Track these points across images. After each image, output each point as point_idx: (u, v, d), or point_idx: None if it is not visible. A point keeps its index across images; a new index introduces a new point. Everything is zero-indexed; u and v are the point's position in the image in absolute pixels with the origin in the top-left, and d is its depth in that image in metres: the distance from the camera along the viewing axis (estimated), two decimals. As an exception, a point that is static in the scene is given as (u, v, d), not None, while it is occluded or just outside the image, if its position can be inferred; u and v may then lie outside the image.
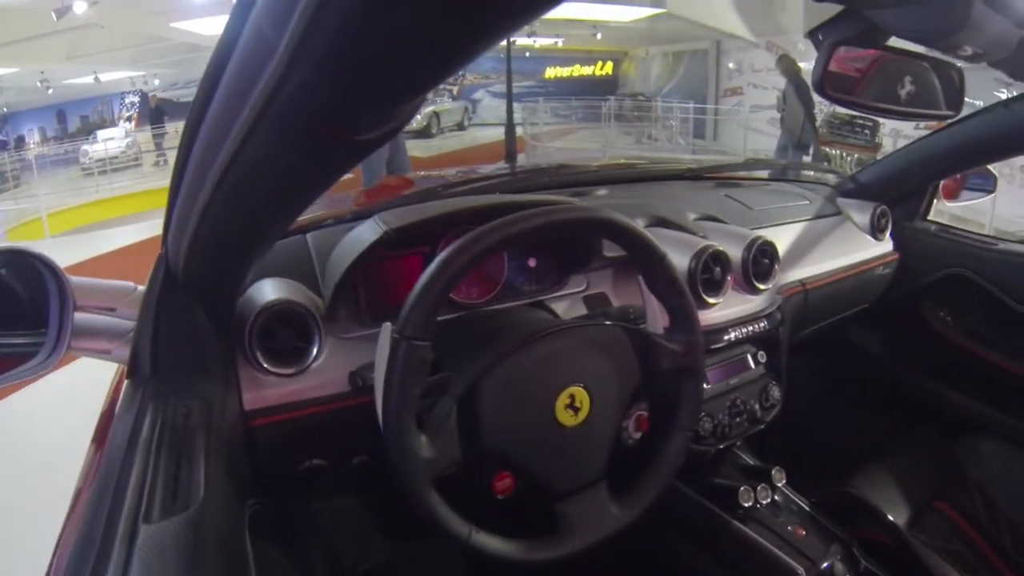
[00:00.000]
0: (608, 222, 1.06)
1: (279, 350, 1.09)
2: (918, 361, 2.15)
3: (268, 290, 1.10)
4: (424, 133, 16.29)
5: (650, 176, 2.06)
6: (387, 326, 0.94)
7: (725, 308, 1.51)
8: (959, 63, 1.24)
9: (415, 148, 14.06)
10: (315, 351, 1.11)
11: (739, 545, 1.40)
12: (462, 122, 18.80)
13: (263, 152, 0.56)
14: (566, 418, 1.03)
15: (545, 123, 15.76)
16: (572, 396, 1.03)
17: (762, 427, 1.57)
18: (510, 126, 9.98)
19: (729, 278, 1.48)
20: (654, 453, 1.14)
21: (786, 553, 1.34)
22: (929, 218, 2.17)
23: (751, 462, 1.60)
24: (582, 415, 1.04)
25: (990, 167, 2.13)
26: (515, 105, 13.62)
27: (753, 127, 12.94)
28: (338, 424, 1.07)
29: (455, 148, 15.77)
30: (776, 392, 1.59)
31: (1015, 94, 1.64)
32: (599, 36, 17.21)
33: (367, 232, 1.15)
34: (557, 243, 1.34)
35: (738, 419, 1.50)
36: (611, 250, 1.35)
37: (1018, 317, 1.89)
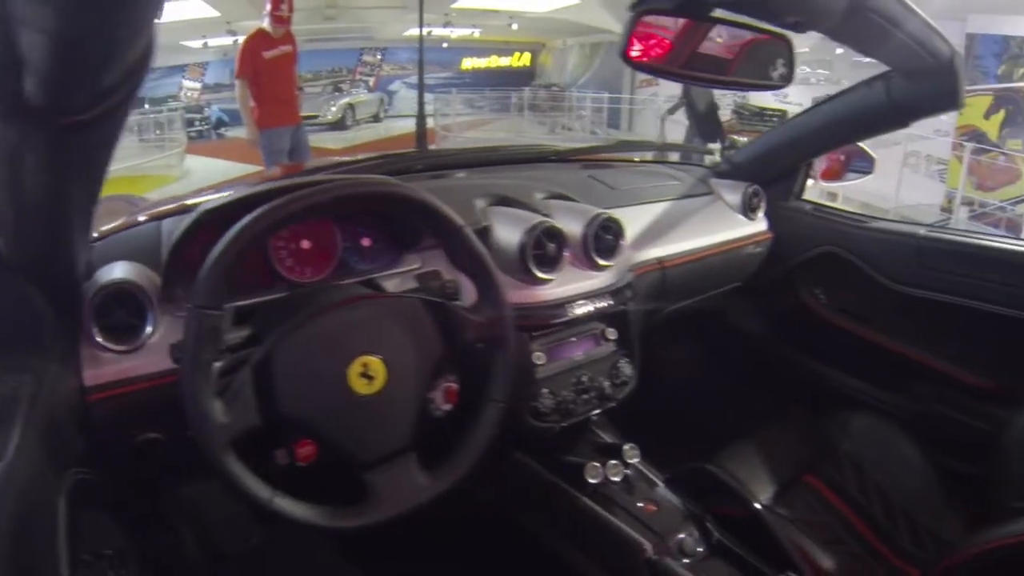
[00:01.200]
0: (397, 195, 1.14)
1: (114, 327, 1.13)
2: (793, 338, 2.27)
3: (110, 272, 1.16)
4: (339, 125, 16.27)
5: (516, 159, 2.10)
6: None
7: (565, 284, 1.54)
8: (788, 34, 1.28)
9: (330, 140, 13.98)
10: (149, 329, 1.16)
11: (587, 521, 1.43)
12: (377, 114, 18.62)
13: None
14: (360, 386, 1.09)
15: (458, 114, 15.87)
16: (365, 365, 1.10)
17: (614, 404, 1.61)
18: (421, 117, 10.04)
19: (566, 254, 1.53)
20: (466, 425, 1.20)
21: (634, 529, 1.37)
22: (804, 197, 2.26)
23: (608, 439, 1.61)
24: (377, 384, 1.11)
25: (868, 149, 2.20)
26: (429, 96, 13.63)
27: (672, 118, 13.15)
28: (171, 398, 1.04)
29: (369, 139, 15.81)
30: (628, 369, 1.63)
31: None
32: (515, 27, 17.33)
33: (190, 216, 1.19)
34: (389, 221, 1.36)
35: (585, 396, 1.54)
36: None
37: (889, 293, 1.98)
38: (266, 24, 5.70)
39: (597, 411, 1.59)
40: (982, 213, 9.43)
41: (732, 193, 2.15)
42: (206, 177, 10.58)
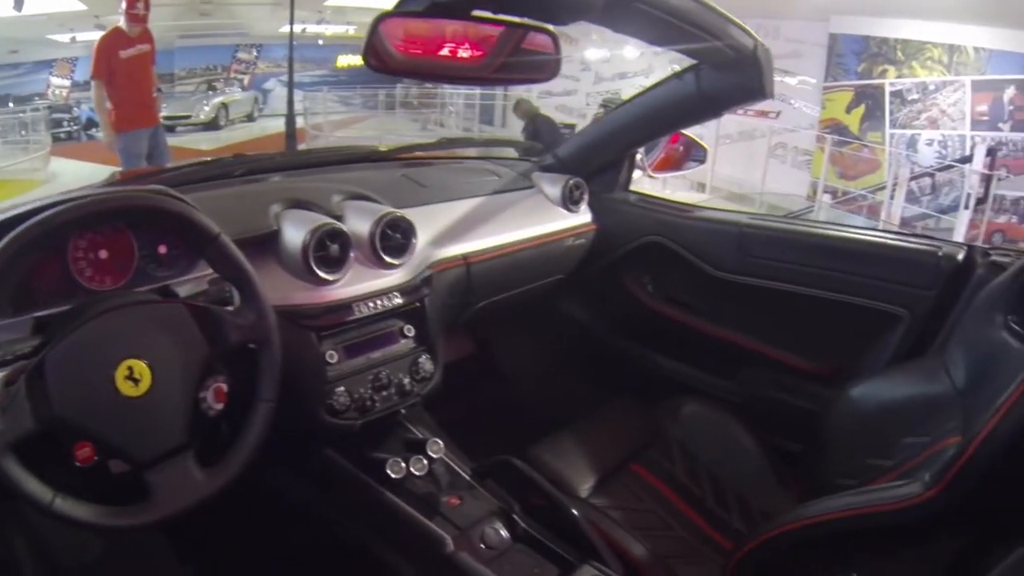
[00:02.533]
0: (152, 207, 1.20)
1: None
2: (623, 327, 2.33)
3: None
4: (212, 125, 15.82)
5: (334, 160, 2.11)
6: None
7: (353, 284, 1.56)
8: (551, 27, 1.29)
9: (202, 141, 13.54)
10: None
11: (389, 515, 1.44)
12: (251, 113, 18.25)
13: None
14: (127, 388, 1.12)
15: (330, 112, 15.70)
16: (131, 368, 1.12)
17: (418, 399, 1.64)
18: (290, 117, 9.91)
19: (353, 254, 1.56)
20: (238, 422, 1.25)
21: (435, 523, 1.40)
22: (634, 185, 2.31)
23: (419, 435, 1.60)
24: (144, 386, 1.14)
25: (700, 141, 2.32)
26: (300, 94, 13.47)
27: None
28: None
29: (242, 139, 15.56)
30: (428, 365, 1.66)
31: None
32: None
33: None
34: (170, 230, 1.37)
35: (384, 392, 1.56)
36: None
37: (712, 281, 2.06)
38: (122, 22, 5.56)
39: (400, 406, 1.61)
40: (844, 200, 9.87)
41: (553, 186, 2.19)
42: (72, 181, 10.07)
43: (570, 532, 1.43)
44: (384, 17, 1.18)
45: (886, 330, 1.83)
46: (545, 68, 1.35)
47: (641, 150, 2.27)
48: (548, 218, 2.14)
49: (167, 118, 13.81)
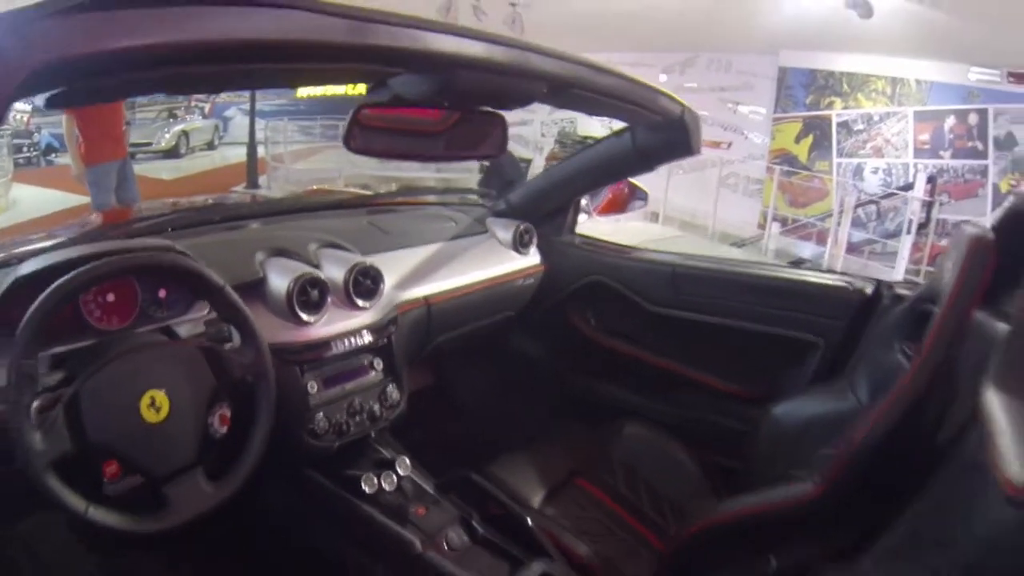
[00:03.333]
0: (170, 265, 1.40)
1: None
2: (569, 358, 2.48)
3: None
4: (172, 153, 15.66)
5: (305, 208, 2.29)
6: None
7: (330, 324, 1.72)
8: (502, 112, 1.49)
9: (163, 170, 13.30)
10: None
11: (364, 525, 1.61)
12: (212, 141, 18.15)
13: None
14: (150, 415, 1.31)
15: (290, 142, 15.48)
16: (153, 398, 1.31)
17: (386, 424, 1.82)
18: (251, 148, 9.85)
19: (331, 298, 1.72)
20: (240, 443, 1.43)
21: (405, 529, 1.56)
22: (578, 231, 2.48)
23: (387, 455, 1.78)
24: (163, 413, 1.33)
25: (642, 186, 2.54)
26: (262, 122, 13.38)
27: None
28: None
29: (204, 169, 15.43)
30: (395, 393, 1.84)
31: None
32: None
33: (4, 283, 1.34)
34: (182, 277, 1.51)
35: (357, 418, 1.74)
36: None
37: (650, 315, 2.25)
38: None
39: (371, 430, 1.78)
40: (794, 228, 10.07)
41: (505, 231, 2.34)
42: (34, 208, 9.80)
43: (523, 536, 1.61)
44: (361, 108, 1.35)
45: (805, 356, 2.01)
46: (494, 144, 1.54)
47: (586, 196, 2.45)
48: (500, 260, 2.30)
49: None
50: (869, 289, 1.93)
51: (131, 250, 1.41)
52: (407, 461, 1.73)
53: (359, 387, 1.78)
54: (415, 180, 11.86)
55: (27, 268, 1.35)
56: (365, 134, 1.39)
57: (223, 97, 19.52)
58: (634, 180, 2.50)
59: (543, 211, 2.42)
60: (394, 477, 1.68)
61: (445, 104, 1.39)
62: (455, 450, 1.95)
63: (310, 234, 1.90)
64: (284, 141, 15.08)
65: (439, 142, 1.47)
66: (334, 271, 1.77)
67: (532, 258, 2.38)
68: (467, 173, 9.75)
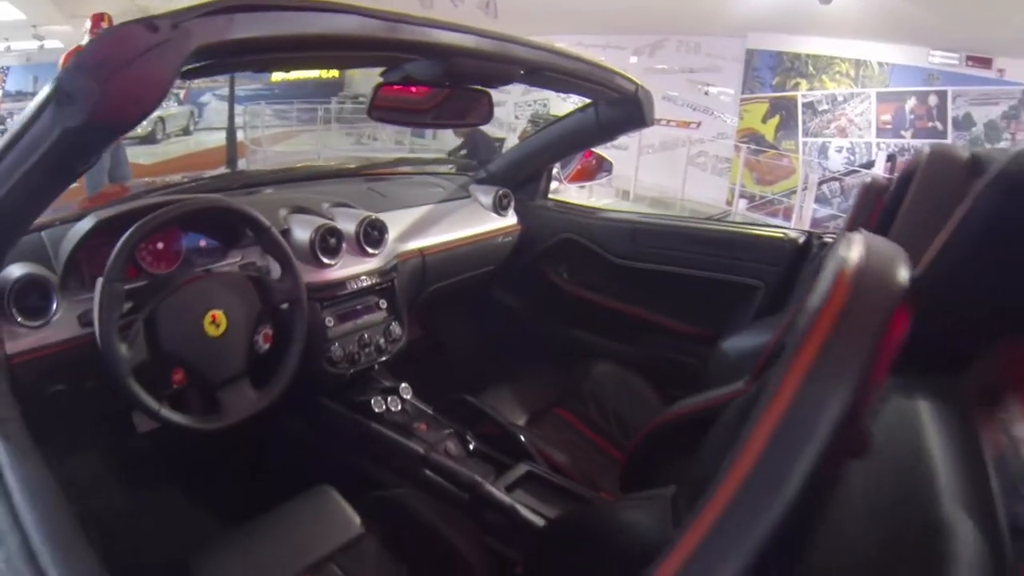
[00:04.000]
0: (231, 209, 1.71)
1: (28, 309, 1.45)
2: (544, 309, 2.71)
3: (17, 269, 1.45)
4: (149, 139, 15.23)
5: (312, 176, 2.52)
6: (99, 280, 1.45)
7: (344, 268, 2.00)
8: (488, 90, 1.77)
9: (140, 155, 12.91)
10: (54, 308, 1.48)
11: (375, 440, 1.89)
12: (188, 127, 17.83)
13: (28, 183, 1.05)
14: (212, 330, 1.61)
15: (267, 127, 15.53)
16: (214, 316, 1.61)
17: (389, 356, 2.11)
18: (231, 132, 9.87)
19: (344, 246, 2.00)
20: (279, 358, 1.72)
21: (411, 441, 1.85)
22: (551, 197, 2.76)
23: (387, 383, 2.06)
24: (221, 329, 1.62)
25: (607, 156, 2.79)
26: (239, 108, 13.33)
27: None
28: (73, 358, 1.50)
29: (180, 154, 15.14)
30: (397, 330, 2.12)
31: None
32: None
33: (85, 224, 1.58)
34: (218, 227, 1.81)
35: (366, 350, 2.02)
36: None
37: (614, 267, 2.52)
38: (85, 42, 5.39)
39: (377, 361, 2.07)
40: (760, 204, 10.34)
41: (486, 196, 2.62)
42: None
43: (510, 448, 1.90)
44: (379, 87, 1.62)
45: (749, 298, 2.25)
46: (481, 115, 1.84)
47: (557, 165, 2.72)
48: (482, 221, 2.57)
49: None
50: (802, 239, 2.19)
51: (195, 199, 1.68)
52: (409, 387, 2.03)
53: (368, 323, 2.05)
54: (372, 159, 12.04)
55: (106, 213, 1.60)
56: (381, 106, 1.65)
57: (197, 83, 19.09)
58: (600, 151, 2.74)
59: (519, 178, 2.69)
60: (399, 400, 1.97)
61: (446, 83, 1.64)
62: (447, 386, 2.18)
63: (321, 196, 2.16)
64: (262, 125, 15.19)
65: (440, 113, 1.74)
66: (347, 224, 2.02)
67: (510, 219, 2.66)
68: (440, 154, 9.93)
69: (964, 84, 9.05)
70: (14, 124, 1.05)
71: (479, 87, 1.76)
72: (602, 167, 2.82)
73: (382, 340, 2.07)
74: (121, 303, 1.48)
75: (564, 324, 2.70)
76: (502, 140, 10.02)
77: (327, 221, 1.96)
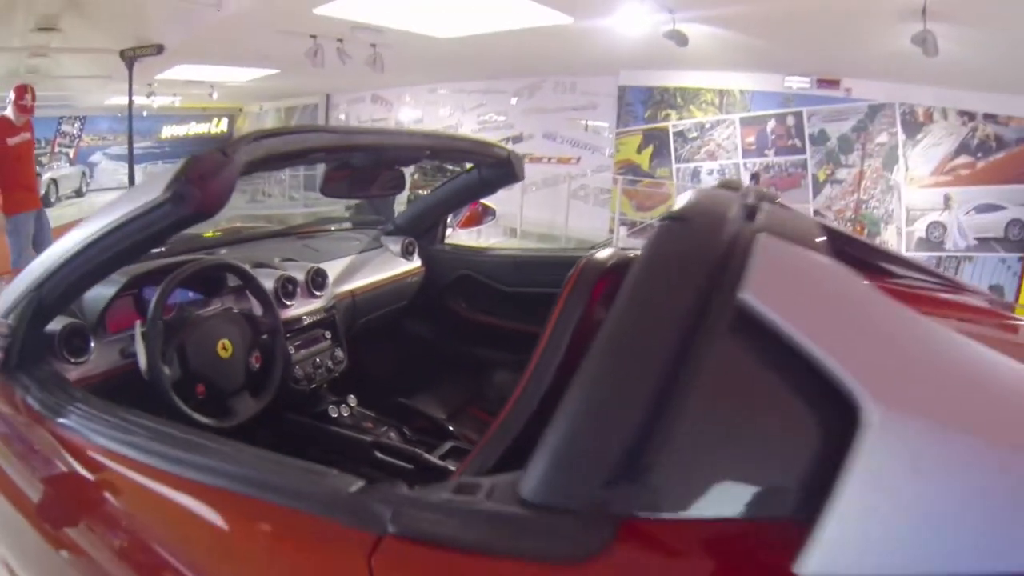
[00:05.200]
0: (229, 265, 2.28)
1: (73, 350, 1.81)
2: (450, 334, 3.16)
3: (60, 321, 1.79)
4: (43, 202, 15.03)
5: (258, 236, 3.01)
6: (137, 323, 1.90)
7: (298, 308, 2.51)
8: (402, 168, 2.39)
9: None
10: (91, 348, 1.86)
11: (335, 439, 2.34)
12: (80, 188, 17.54)
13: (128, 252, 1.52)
14: (223, 354, 2.09)
15: None
16: (223, 344, 2.09)
17: (336, 375, 2.57)
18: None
19: (298, 290, 2.51)
20: (265, 373, 2.22)
21: (363, 435, 2.30)
22: (447, 242, 3.26)
23: (335, 397, 2.49)
24: (229, 353, 2.11)
25: (491, 205, 3.33)
26: (136, 167, 13.30)
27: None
28: (114, 382, 1.89)
29: (75, 217, 14.70)
30: (340, 354, 2.60)
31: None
32: (215, 95, 16.84)
33: (118, 279, 2.00)
34: (210, 280, 2.28)
35: (319, 370, 2.49)
36: (233, 281, 2.33)
37: (505, 294, 2.94)
38: (9, 112, 5.81)
39: (327, 379, 2.54)
40: (639, 230, 10.92)
41: (395, 244, 3.09)
42: None
43: (439, 435, 2.37)
44: (328, 172, 2.19)
45: None
46: (400, 185, 2.41)
47: (450, 215, 3.20)
48: (394, 266, 3.04)
49: (-4, 196, 13.89)
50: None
51: (205, 259, 2.23)
52: (354, 398, 2.49)
53: (318, 350, 2.52)
54: (287, 215, 12.32)
55: (146, 265, 2.11)
56: (330, 185, 2.22)
57: (87, 141, 18.87)
58: (485, 201, 3.23)
59: (420, 229, 3.18)
60: (348, 408, 2.43)
61: (377, 166, 2.23)
62: (381, 396, 2.63)
63: (272, 252, 2.64)
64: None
65: (368, 186, 2.32)
66: (297, 273, 2.53)
67: (415, 263, 3.14)
68: (333, 206, 10.21)
69: (817, 104, 9.79)
70: (117, 213, 1.47)
71: (397, 166, 2.36)
72: (487, 213, 3.37)
73: (330, 362, 2.54)
74: (162, 336, 1.92)
75: (467, 344, 3.10)
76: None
77: (283, 272, 2.46)
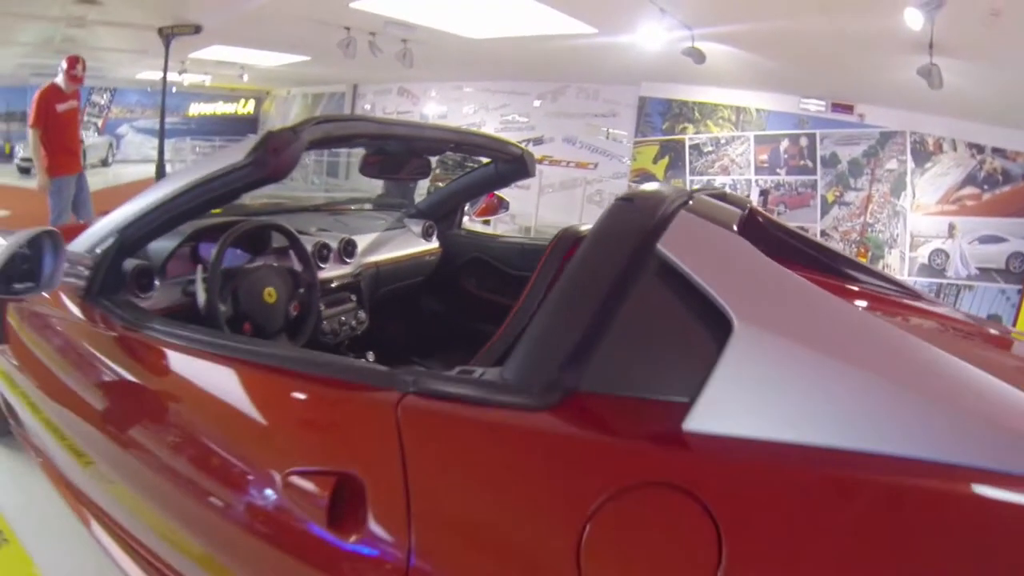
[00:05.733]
0: (278, 226, 2.54)
1: (141, 286, 2.10)
2: (461, 311, 3.42)
3: (131, 262, 2.07)
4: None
5: (296, 209, 3.33)
6: (199, 268, 2.18)
7: (330, 271, 2.81)
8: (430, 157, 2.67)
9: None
10: (156, 286, 2.15)
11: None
12: (106, 158, 17.89)
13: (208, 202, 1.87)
14: (268, 299, 2.34)
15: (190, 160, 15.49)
16: (269, 292, 2.33)
17: (359, 333, 2.85)
18: (160, 166, 10.18)
19: (331, 255, 2.82)
20: (301, 321, 2.49)
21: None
22: (464, 225, 3.57)
23: (355, 353, 2.78)
24: (273, 299, 2.34)
25: (506, 197, 3.61)
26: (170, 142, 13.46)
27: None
28: (172, 314, 2.10)
29: (99, 187, 14.84)
30: (363, 315, 2.88)
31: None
32: (245, 77, 17.17)
33: (184, 230, 2.28)
34: (259, 239, 2.53)
35: (344, 328, 2.78)
36: (276, 242, 2.57)
37: (511, 277, 3.17)
38: (59, 80, 6.10)
39: (351, 336, 2.82)
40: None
41: (416, 226, 3.39)
42: None
43: None
44: (365, 157, 2.47)
45: None
46: (426, 171, 2.69)
47: (468, 203, 3.48)
48: (414, 244, 3.34)
49: (24, 159, 13.96)
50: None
51: (258, 220, 2.49)
52: (372, 354, 2.77)
53: (344, 309, 2.80)
54: (307, 197, 12.54)
55: (206, 222, 2.40)
56: (368, 167, 2.50)
57: (115, 113, 19.13)
58: (499, 193, 3.49)
59: (440, 214, 3.48)
60: (367, 362, 2.62)
61: (408, 154, 2.53)
62: (393, 359, 2.76)
63: (309, 222, 2.93)
64: (187, 161, 15.11)
65: (399, 170, 2.59)
66: (331, 241, 2.82)
67: (434, 243, 3.42)
68: (355, 193, 10.50)
69: (830, 127, 9.97)
70: (200, 173, 1.87)
71: (426, 155, 2.62)
72: (501, 205, 3.63)
73: (354, 321, 2.81)
74: (220, 279, 2.19)
75: (475, 319, 3.27)
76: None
77: (320, 239, 2.75)
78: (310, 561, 1.35)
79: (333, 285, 2.82)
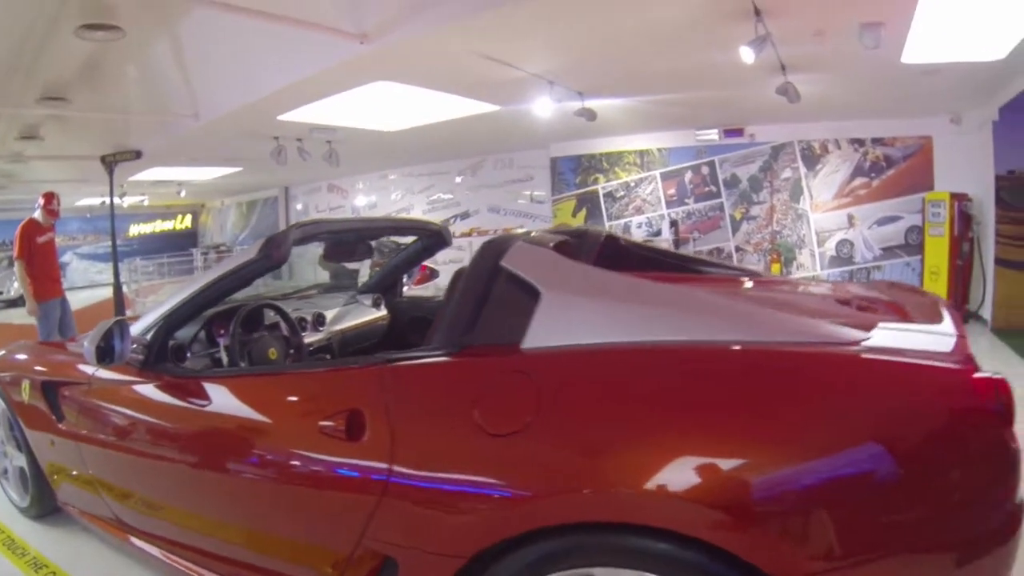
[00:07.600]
0: (275, 305, 3.25)
1: (179, 357, 2.71)
2: None
3: (169, 340, 2.70)
4: (21, 302, 14.99)
5: (274, 297, 3.82)
6: (221, 339, 2.86)
7: (308, 338, 3.38)
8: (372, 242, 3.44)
9: (15, 316, 12.35)
10: (188, 356, 2.72)
11: None
12: None
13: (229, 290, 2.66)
14: (271, 357, 2.95)
15: (144, 282, 16.24)
16: (271, 351, 2.97)
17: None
18: (117, 287, 10.37)
19: (307, 325, 3.46)
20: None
21: None
22: (405, 294, 4.23)
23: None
24: (274, 357, 2.96)
25: (436, 268, 4.51)
26: (106, 264, 13.73)
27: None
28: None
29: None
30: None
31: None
32: (183, 193, 17.43)
33: (205, 316, 2.87)
34: (258, 316, 3.12)
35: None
36: (268, 319, 3.15)
37: None
38: (37, 215, 6.81)
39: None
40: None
41: (367, 300, 3.98)
42: None
43: None
44: (325, 249, 3.26)
45: None
46: (370, 253, 3.43)
47: (405, 276, 4.14)
48: (368, 313, 3.93)
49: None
50: None
51: (259, 302, 3.13)
52: None
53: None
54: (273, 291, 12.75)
55: (216, 310, 2.95)
56: (328, 254, 3.27)
57: (59, 243, 18.53)
58: (432, 265, 4.18)
59: (384, 287, 4.09)
60: None
61: (356, 241, 3.28)
62: None
63: (286, 306, 3.42)
64: (137, 280, 15.74)
65: (350, 255, 3.33)
66: (306, 315, 3.45)
67: (383, 311, 4.02)
68: (303, 281, 10.93)
69: (726, 152, 10.87)
70: (222, 270, 2.55)
71: (368, 241, 3.39)
72: (433, 275, 4.44)
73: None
74: (238, 345, 2.76)
75: None
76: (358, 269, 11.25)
77: (298, 314, 3.38)
78: (340, 483, 2.07)
79: (312, 348, 3.35)
